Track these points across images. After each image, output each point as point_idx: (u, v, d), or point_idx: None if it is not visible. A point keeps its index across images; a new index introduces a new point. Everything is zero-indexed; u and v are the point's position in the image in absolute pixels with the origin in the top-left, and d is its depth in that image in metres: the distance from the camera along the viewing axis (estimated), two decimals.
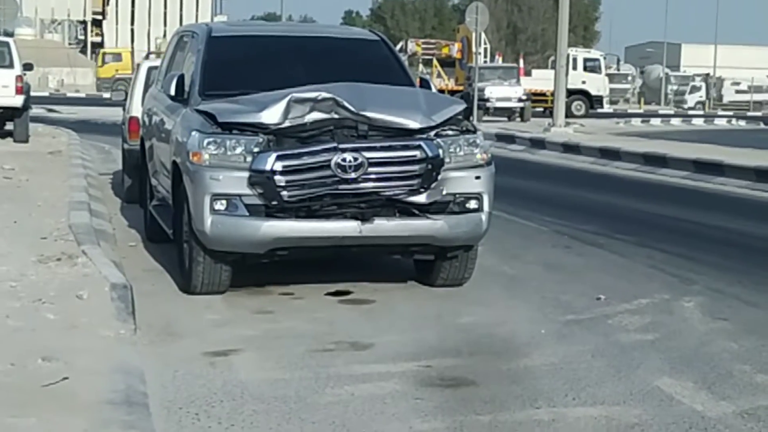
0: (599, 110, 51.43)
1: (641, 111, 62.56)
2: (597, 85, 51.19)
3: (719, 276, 9.62)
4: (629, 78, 76.68)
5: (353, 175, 8.00)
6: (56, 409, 5.07)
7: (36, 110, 27.52)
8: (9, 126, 21.64)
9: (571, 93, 42.72)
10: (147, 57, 15.56)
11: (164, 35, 75.24)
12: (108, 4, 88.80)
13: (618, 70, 74.24)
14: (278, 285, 8.70)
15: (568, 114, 37.38)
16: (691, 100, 76.07)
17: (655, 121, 49.02)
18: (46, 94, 55.27)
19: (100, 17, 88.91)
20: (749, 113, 65.53)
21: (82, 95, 59.60)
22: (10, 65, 21.45)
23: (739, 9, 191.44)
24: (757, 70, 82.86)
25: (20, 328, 6.54)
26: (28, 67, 22.83)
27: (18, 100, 21.24)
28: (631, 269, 10.00)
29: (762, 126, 50.05)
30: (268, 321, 7.70)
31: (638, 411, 5.66)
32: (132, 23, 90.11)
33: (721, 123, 51.64)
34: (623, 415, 5.59)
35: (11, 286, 7.68)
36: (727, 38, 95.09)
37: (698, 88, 77.73)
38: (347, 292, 8.66)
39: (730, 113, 62.92)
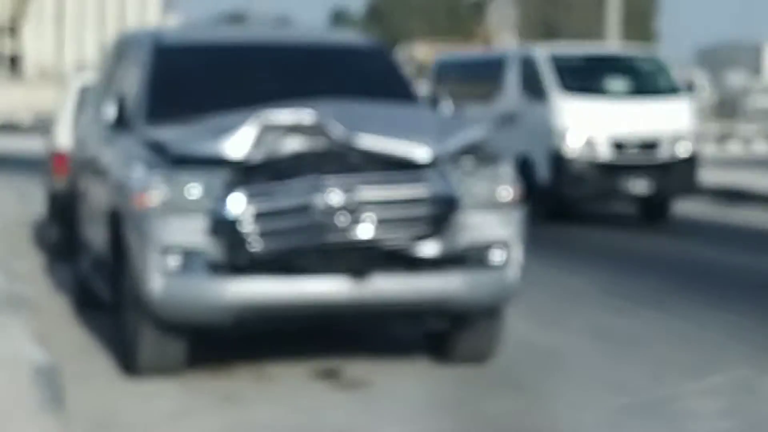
0: None
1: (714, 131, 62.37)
2: None
3: None
4: (702, 87, 76.12)
5: (343, 220, 8.02)
6: None
7: None
8: None
9: None
10: (78, 70, 15.55)
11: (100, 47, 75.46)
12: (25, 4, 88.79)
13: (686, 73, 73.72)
14: (249, 364, 8.66)
15: None
16: None
17: (732, 148, 48.73)
18: None
19: (15, 22, 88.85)
20: None
21: None
22: None
23: None
24: None
25: None
26: None
27: None
28: (702, 338, 9.97)
29: None
30: (236, 410, 7.62)
31: None
32: (65, 29, 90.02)
33: None
34: None
35: None
36: None
37: None
38: (337, 373, 8.60)
39: None
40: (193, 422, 7.32)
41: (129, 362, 8.43)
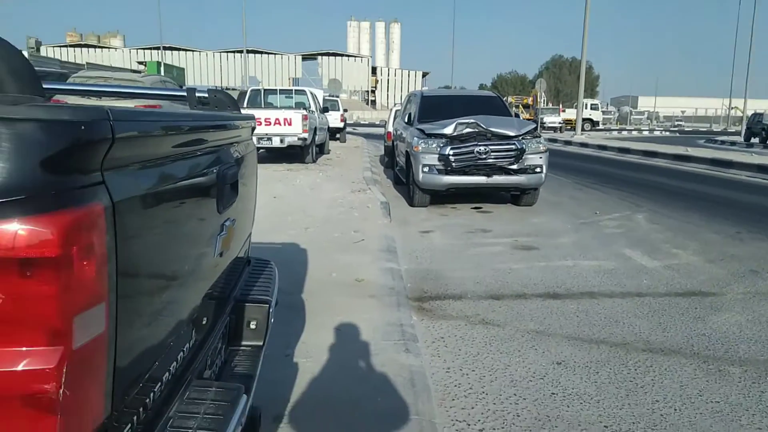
0: (597, 128, 48.28)
1: (617, 128, 57.98)
2: (596, 116, 47.89)
3: (656, 204, 8.86)
4: (612, 113, 71.15)
5: (484, 156, 7.80)
6: (360, 253, 5.23)
7: (348, 129, 28.03)
8: (337, 135, 22.30)
9: (584, 120, 40.23)
10: (395, 105, 15.48)
11: (400, 98, 75.05)
12: (378, 81, 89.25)
13: (606, 108, 69.03)
14: (450, 204, 8.61)
15: (582, 129, 35.20)
16: (644, 124, 70.12)
17: (624, 133, 45.39)
18: (351, 122, 56.37)
19: (374, 88, 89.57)
20: (671, 128, 59.88)
21: (366, 123, 60.17)
22: (338, 109, 22.03)
23: (678, 69, 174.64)
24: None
25: (344, 219, 6.74)
26: (345, 111, 23.41)
27: (341, 125, 21.81)
28: (611, 200, 9.31)
29: (677, 135, 45.59)
30: (445, 218, 7.62)
31: (614, 263, 5.40)
32: (387, 90, 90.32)
33: (656, 133, 47.33)
34: (607, 265, 5.33)
35: (340, 202, 7.92)
36: (668, 91, 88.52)
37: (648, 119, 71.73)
38: (480, 208, 8.46)
39: (662, 128, 57.66)
40: (431, 222, 7.32)
41: (410, 202, 8.44)
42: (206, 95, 2.17)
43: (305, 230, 6.03)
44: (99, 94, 2.15)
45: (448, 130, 7.93)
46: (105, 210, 0.81)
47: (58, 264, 0.72)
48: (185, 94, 2.15)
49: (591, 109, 48.00)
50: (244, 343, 1.89)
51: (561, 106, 54.60)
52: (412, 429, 2.37)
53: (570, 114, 47.28)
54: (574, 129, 34.80)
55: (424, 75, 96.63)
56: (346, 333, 3.39)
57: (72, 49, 71.94)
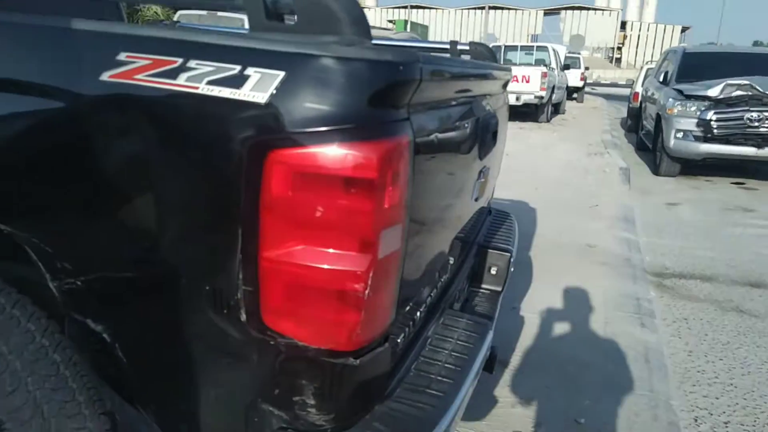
0: None
1: None
2: None
3: None
4: None
5: (756, 125, 6.59)
6: (593, 218, 5.00)
7: (587, 89, 26.19)
8: (574, 95, 21.04)
9: None
10: (645, 63, 13.92)
11: (651, 57, 66.83)
12: (626, 37, 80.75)
13: None
14: (703, 176, 7.51)
15: None
16: None
17: None
18: (590, 81, 52.34)
19: (620, 45, 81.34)
20: None
21: (608, 83, 55.41)
22: (579, 67, 20.67)
23: None
24: None
25: (577, 182, 6.45)
26: (586, 69, 21.86)
27: (580, 84, 20.51)
28: None
29: None
30: (697, 191, 6.70)
31: None
32: (636, 48, 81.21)
33: None
34: None
35: (573, 164, 7.56)
36: None
37: None
38: (743, 183, 7.21)
39: None
40: (679, 194, 6.51)
41: (656, 170, 7.60)
42: (467, 47, 2.24)
43: (535, 189, 5.92)
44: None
45: (714, 92, 6.86)
46: (409, 143, 0.89)
47: (375, 185, 0.81)
48: (449, 46, 2.25)
49: None
50: (483, 286, 1.98)
51: None
52: (642, 404, 2.25)
53: None
54: None
55: (683, 30, 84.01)
56: (575, 296, 3.30)
57: None
